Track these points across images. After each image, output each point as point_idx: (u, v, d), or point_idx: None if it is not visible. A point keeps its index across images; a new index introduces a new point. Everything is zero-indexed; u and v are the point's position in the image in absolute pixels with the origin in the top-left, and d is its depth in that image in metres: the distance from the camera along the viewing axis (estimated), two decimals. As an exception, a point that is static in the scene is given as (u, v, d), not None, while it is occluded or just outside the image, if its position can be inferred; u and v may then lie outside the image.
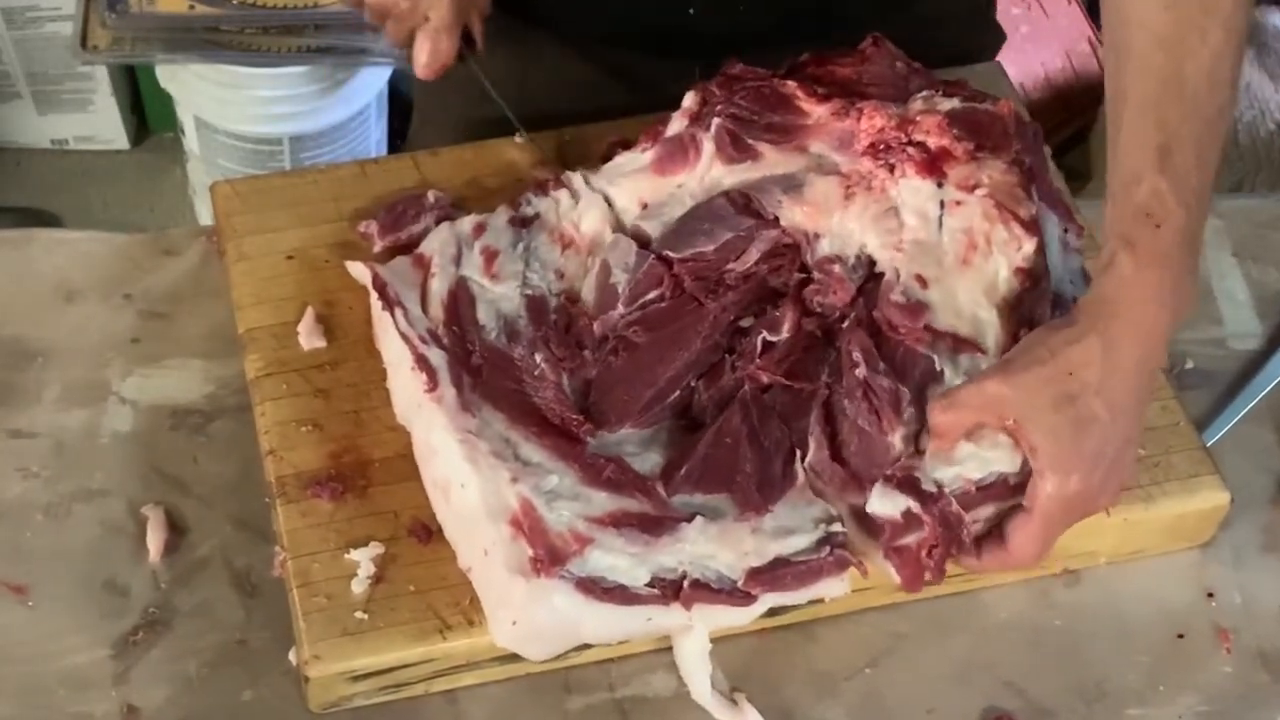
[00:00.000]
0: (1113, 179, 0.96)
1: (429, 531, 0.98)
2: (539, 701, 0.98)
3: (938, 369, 0.99)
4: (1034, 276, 1.01)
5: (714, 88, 1.11)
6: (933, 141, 1.05)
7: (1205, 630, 1.03)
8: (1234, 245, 1.20)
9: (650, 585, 0.93)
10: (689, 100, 1.12)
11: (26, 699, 0.97)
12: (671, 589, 0.93)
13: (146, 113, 2.54)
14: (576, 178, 1.11)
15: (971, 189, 1.04)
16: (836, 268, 1.03)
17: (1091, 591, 1.04)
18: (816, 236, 1.04)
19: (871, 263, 1.04)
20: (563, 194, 1.10)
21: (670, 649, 0.99)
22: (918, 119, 1.06)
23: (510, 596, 0.92)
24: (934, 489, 0.95)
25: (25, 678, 0.97)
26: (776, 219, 1.05)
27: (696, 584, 0.94)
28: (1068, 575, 1.05)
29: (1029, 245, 1.01)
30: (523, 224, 1.09)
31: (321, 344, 1.07)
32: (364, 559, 0.97)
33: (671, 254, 1.04)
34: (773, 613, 0.99)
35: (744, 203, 1.05)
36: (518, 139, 1.20)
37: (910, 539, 0.95)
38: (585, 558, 0.92)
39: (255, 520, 1.03)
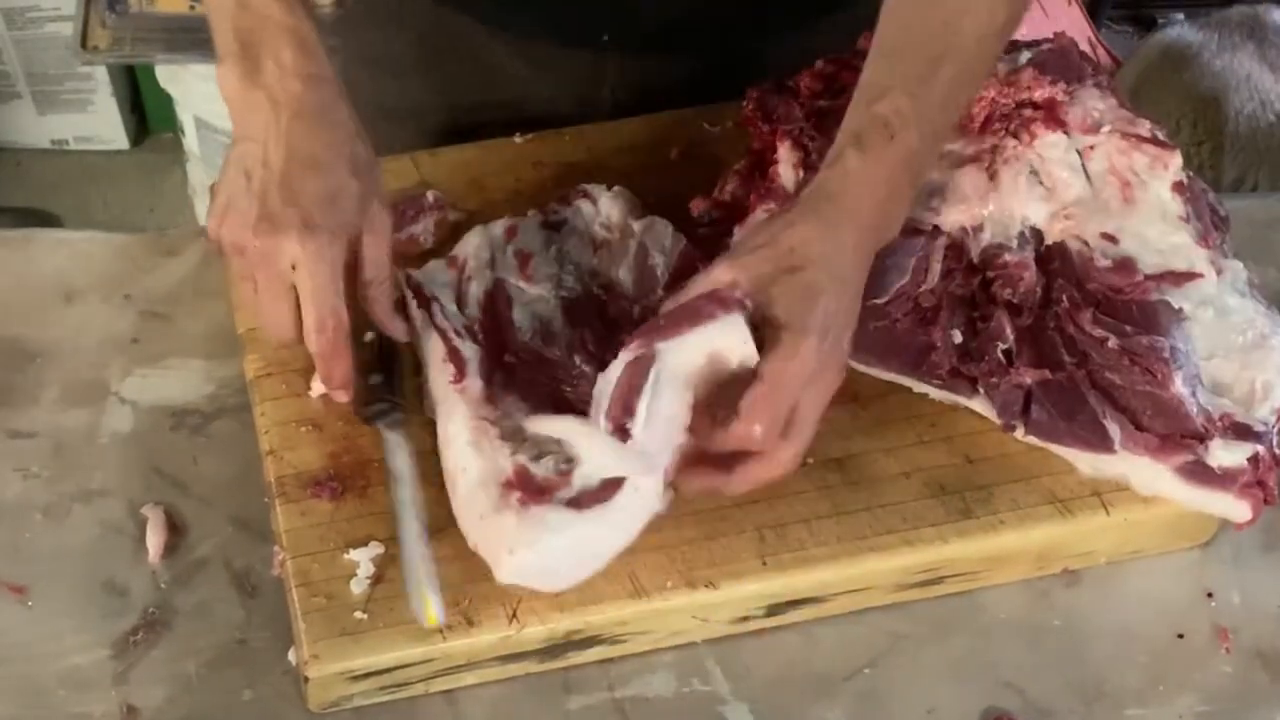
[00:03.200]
0: (861, 86, 0.98)
1: (428, 532, 0.98)
2: (539, 701, 0.98)
3: (1176, 307, 1.02)
4: (1191, 182, 1.06)
5: (810, 132, 1.10)
6: (1039, 94, 1.07)
7: (1205, 630, 1.03)
8: (1234, 245, 1.20)
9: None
10: (785, 152, 1.10)
11: (26, 699, 0.97)
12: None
13: (146, 113, 2.54)
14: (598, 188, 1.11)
15: (1095, 129, 1.07)
16: (1007, 256, 1.04)
17: (1091, 591, 1.04)
18: (977, 230, 1.05)
19: (1037, 234, 1.06)
20: (583, 202, 1.11)
21: (670, 649, 0.99)
22: (1016, 78, 1.08)
23: (505, 533, 0.92)
24: (1264, 426, 0.99)
25: (25, 678, 0.97)
26: (936, 227, 1.05)
27: None
28: (1068, 575, 1.05)
29: (1174, 159, 1.05)
30: (554, 228, 1.09)
31: None
32: (363, 559, 0.97)
33: (877, 300, 1.03)
34: (772, 612, 0.99)
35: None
36: (518, 139, 1.20)
37: (1256, 477, 0.98)
38: (571, 483, 0.93)
39: (255, 520, 1.03)
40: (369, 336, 1.05)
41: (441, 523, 0.98)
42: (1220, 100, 2.33)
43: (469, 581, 0.96)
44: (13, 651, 0.98)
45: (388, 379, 1.03)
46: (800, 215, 0.95)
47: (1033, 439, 1.03)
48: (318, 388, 1.04)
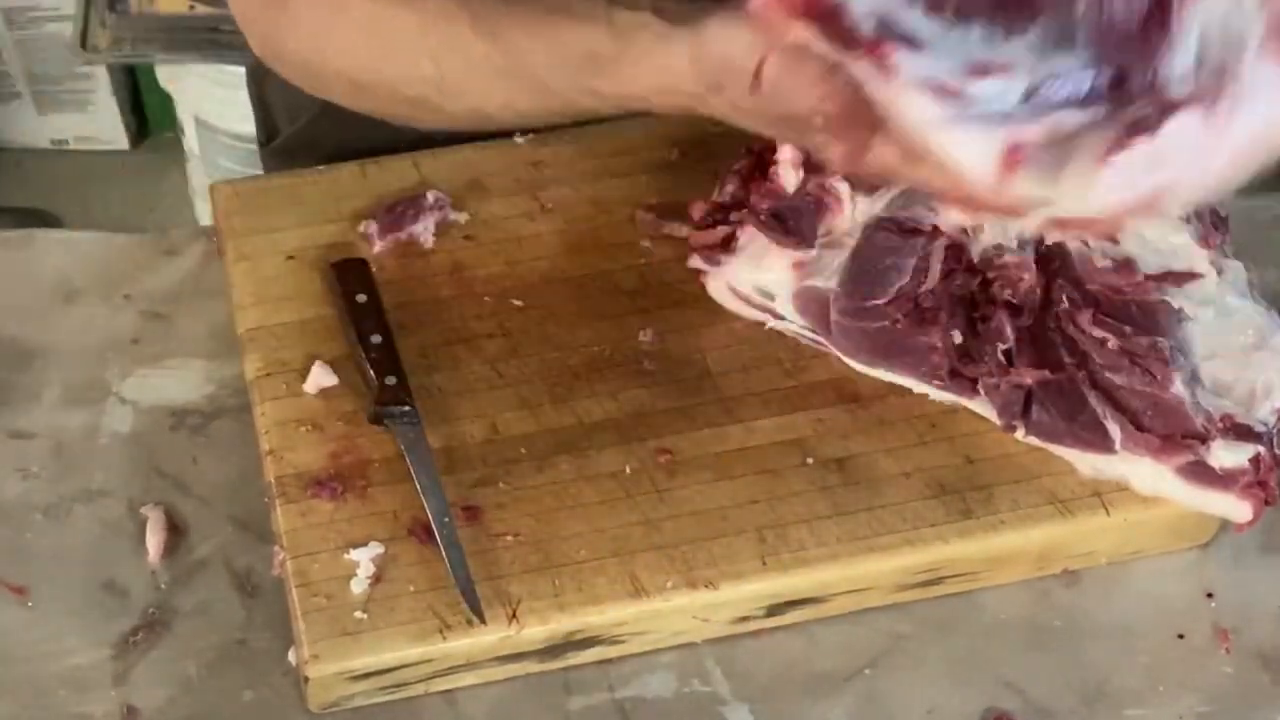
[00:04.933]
0: None
1: (429, 531, 0.98)
2: (539, 702, 0.98)
3: (1176, 308, 1.01)
4: None
5: None
6: None
7: (1205, 630, 1.03)
8: (1234, 245, 1.20)
9: None
10: (785, 152, 1.08)
11: (26, 699, 0.97)
12: None
13: (146, 113, 2.54)
14: None
15: None
16: (1007, 256, 1.04)
17: (1091, 591, 1.04)
18: (977, 230, 1.05)
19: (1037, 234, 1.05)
20: None
21: (670, 649, 0.99)
22: None
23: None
24: (1264, 427, 0.98)
25: (25, 678, 0.97)
26: (936, 227, 1.05)
27: None
28: (1068, 575, 1.04)
29: None
30: None
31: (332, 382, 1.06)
32: (364, 559, 0.97)
33: (877, 300, 1.04)
34: (772, 612, 0.99)
35: (897, 226, 1.05)
36: (518, 139, 1.20)
37: (1257, 478, 0.98)
38: None
39: (255, 520, 1.03)
40: (377, 339, 1.05)
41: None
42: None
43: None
44: (13, 651, 0.98)
45: (401, 380, 1.03)
46: None
47: (1033, 439, 1.03)
48: (313, 385, 1.05)
